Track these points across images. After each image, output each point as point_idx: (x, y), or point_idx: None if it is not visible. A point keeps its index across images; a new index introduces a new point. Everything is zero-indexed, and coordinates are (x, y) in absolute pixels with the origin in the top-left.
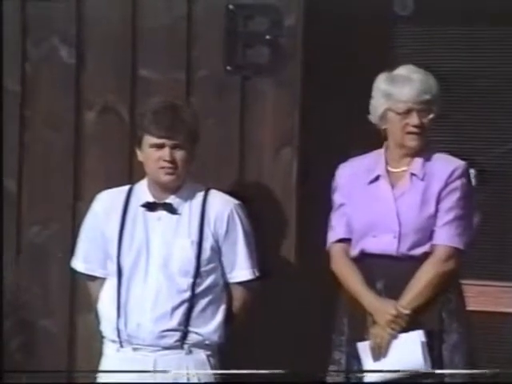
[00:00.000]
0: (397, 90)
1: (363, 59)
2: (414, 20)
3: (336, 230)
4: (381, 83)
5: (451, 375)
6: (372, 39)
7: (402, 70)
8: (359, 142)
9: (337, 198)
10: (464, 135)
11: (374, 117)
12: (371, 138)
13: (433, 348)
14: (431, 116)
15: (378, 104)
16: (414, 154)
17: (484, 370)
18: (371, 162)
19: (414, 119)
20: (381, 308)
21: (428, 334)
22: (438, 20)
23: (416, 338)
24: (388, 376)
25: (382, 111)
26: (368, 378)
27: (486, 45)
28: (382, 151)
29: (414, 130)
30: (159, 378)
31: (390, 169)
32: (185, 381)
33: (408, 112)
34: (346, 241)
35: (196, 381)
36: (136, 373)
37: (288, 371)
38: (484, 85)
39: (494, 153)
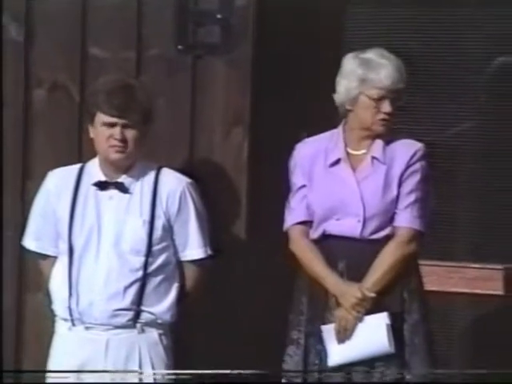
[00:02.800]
0: (373, 76)
1: (315, 39)
2: (368, 1)
3: (296, 212)
4: (353, 65)
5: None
6: (325, 20)
7: (376, 55)
8: (310, 121)
9: (296, 179)
10: (415, 116)
11: (342, 97)
12: (322, 118)
13: (396, 330)
14: (399, 103)
15: (351, 86)
16: (375, 136)
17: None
18: (329, 142)
19: (386, 107)
20: (346, 291)
21: (391, 316)
22: (391, 1)
23: (381, 320)
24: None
25: (355, 94)
26: (331, 361)
27: (438, 26)
28: (338, 132)
29: (386, 117)
30: (111, 357)
31: (349, 151)
32: (137, 358)
33: (382, 98)
34: (305, 223)
35: (148, 359)
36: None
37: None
38: (435, 66)
39: (444, 134)
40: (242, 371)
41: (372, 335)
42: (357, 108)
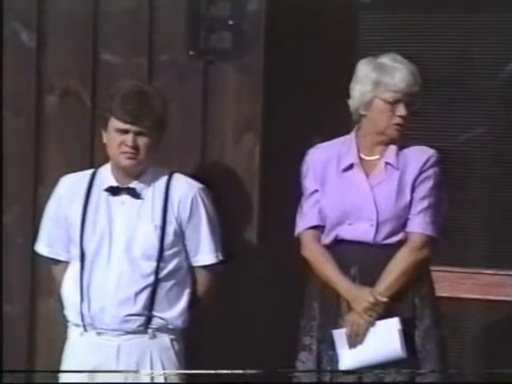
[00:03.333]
0: (388, 79)
1: (327, 44)
2: (377, 7)
3: (308, 216)
4: (367, 70)
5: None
6: (335, 26)
7: (389, 59)
8: (322, 127)
9: (309, 184)
10: (427, 122)
11: (356, 102)
12: (335, 124)
13: (407, 335)
14: (414, 108)
15: (365, 90)
16: (388, 142)
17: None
18: (342, 148)
19: (401, 110)
20: (358, 295)
21: (403, 322)
22: (401, 7)
23: (393, 325)
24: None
25: (369, 98)
26: (342, 366)
27: (449, 32)
28: (351, 137)
29: (400, 121)
30: (122, 362)
31: (362, 156)
32: (148, 364)
33: (396, 102)
34: (317, 227)
35: (159, 364)
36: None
37: (259, 372)
38: (447, 72)
39: (456, 140)
40: (245, 371)
41: (384, 340)
42: (371, 112)
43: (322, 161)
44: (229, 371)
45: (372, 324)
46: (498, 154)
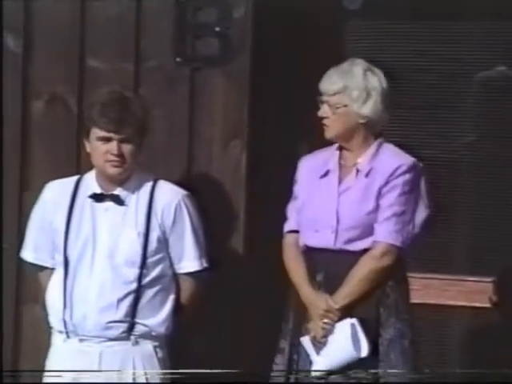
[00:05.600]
0: (321, 81)
1: (313, 52)
2: (362, 14)
3: (289, 221)
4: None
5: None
6: (321, 33)
7: (346, 62)
8: (309, 134)
9: (295, 189)
10: (410, 129)
11: None
12: (322, 130)
13: (368, 333)
14: (341, 110)
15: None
16: (361, 147)
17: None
18: (327, 155)
19: (321, 111)
20: (313, 302)
21: (363, 324)
22: (386, 15)
23: (346, 323)
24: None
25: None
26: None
27: (434, 40)
28: (338, 144)
29: (324, 121)
30: (104, 369)
31: (342, 162)
32: (131, 377)
33: (322, 103)
34: (297, 232)
35: (143, 380)
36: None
37: (237, 371)
38: (433, 80)
39: (440, 147)
40: (231, 371)
41: (340, 342)
42: None
43: (309, 168)
44: (210, 371)
45: (330, 330)
46: (485, 162)
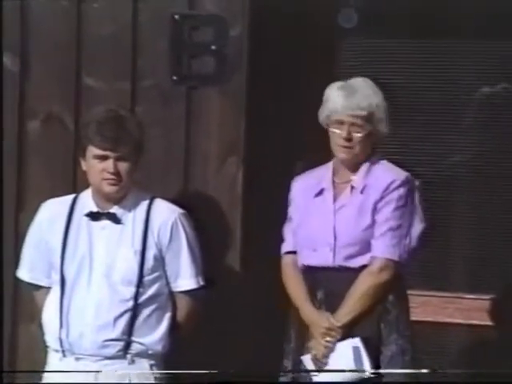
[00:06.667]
0: (334, 99)
1: (308, 70)
2: (358, 33)
3: (286, 242)
4: (328, 89)
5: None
6: (317, 51)
7: (353, 81)
8: (305, 151)
9: (289, 210)
10: (409, 147)
11: (320, 120)
12: (318, 148)
13: (370, 351)
14: (363, 133)
15: (321, 109)
16: (357, 165)
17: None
18: (321, 173)
19: (343, 132)
20: (315, 320)
21: (365, 341)
22: (382, 33)
23: (348, 344)
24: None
25: (322, 118)
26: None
27: (430, 58)
28: (331, 162)
29: (342, 142)
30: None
31: (336, 180)
32: None
33: (340, 123)
34: (295, 253)
35: None
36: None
37: (235, 372)
38: (428, 97)
39: (437, 164)
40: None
41: (341, 362)
42: (329, 132)
43: (303, 187)
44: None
45: (332, 348)
46: (479, 178)
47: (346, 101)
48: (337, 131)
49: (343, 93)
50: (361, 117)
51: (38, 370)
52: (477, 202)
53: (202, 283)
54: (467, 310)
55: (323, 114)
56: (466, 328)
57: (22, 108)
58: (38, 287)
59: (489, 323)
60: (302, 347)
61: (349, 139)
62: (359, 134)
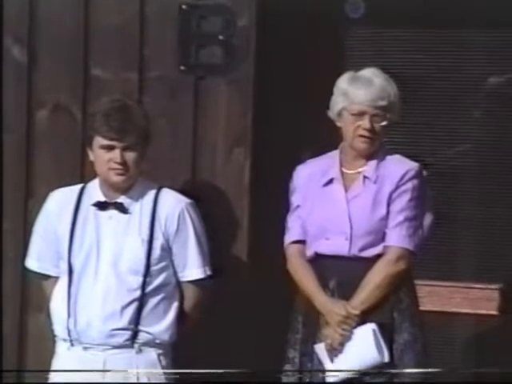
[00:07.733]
0: (354, 91)
1: (315, 60)
2: (365, 22)
3: (291, 231)
4: (342, 81)
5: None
6: (324, 41)
7: (366, 72)
8: (313, 142)
9: (293, 199)
10: (415, 137)
11: (332, 113)
12: (325, 138)
13: (385, 338)
14: (384, 123)
15: (336, 101)
16: (368, 156)
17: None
18: (327, 163)
19: (366, 122)
20: (331, 309)
21: (380, 326)
22: (389, 22)
23: (367, 328)
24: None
25: (338, 109)
26: (328, 378)
27: (437, 47)
28: (337, 152)
29: (365, 133)
30: (109, 377)
31: (344, 170)
32: (134, 380)
33: (361, 114)
34: (301, 242)
35: (146, 380)
36: (86, 372)
37: (243, 371)
38: (435, 87)
39: (444, 154)
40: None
41: (361, 347)
42: (342, 124)
43: (307, 176)
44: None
45: (348, 336)
46: (486, 168)
47: (366, 92)
48: (359, 122)
49: (361, 84)
50: (382, 107)
51: (39, 370)
52: (485, 192)
53: (209, 273)
54: (475, 299)
55: (338, 106)
56: (473, 318)
57: (31, 98)
58: (47, 277)
59: (496, 313)
60: (310, 336)
61: (371, 130)
62: (381, 124)
